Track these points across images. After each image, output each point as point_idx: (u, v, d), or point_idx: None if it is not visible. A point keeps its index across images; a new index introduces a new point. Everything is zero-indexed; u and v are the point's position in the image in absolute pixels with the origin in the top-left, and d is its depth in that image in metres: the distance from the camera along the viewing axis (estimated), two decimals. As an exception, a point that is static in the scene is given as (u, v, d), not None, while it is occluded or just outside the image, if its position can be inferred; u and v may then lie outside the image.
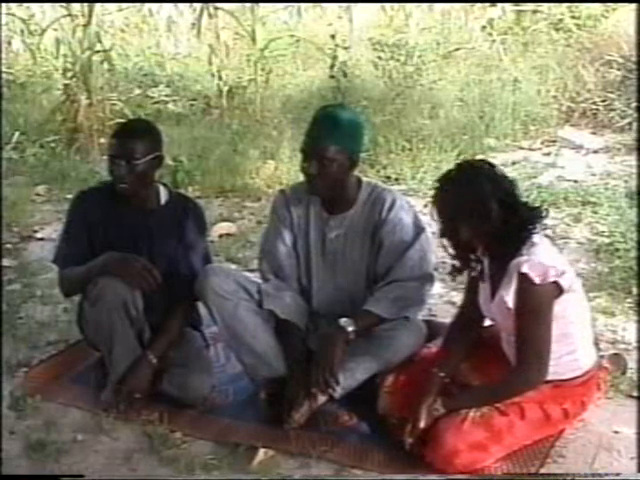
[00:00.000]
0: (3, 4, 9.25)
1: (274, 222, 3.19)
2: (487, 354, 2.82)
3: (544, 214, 2.65)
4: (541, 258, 2.54)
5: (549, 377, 2.63)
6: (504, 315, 2.64)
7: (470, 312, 2.88)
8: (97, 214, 3.17)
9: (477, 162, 2.72)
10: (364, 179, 3.17)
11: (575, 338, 2.68)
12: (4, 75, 8.91)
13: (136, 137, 3.10)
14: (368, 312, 2.94)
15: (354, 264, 3.10)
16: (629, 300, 3.82)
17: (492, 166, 2.66)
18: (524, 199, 2.70)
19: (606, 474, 2.59)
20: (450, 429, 2.58)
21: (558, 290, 2.55)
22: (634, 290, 3.88)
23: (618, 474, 2.60)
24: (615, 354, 3.20)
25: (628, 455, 2.69)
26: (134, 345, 3.09)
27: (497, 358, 2.78)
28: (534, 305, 2.54)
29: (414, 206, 3.15)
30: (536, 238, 2.59)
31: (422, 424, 2.63)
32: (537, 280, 2.49)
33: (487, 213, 2.53)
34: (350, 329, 2.87)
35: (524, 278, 2.51)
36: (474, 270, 2.75)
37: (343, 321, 2.88)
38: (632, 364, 3.23)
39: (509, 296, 2.57)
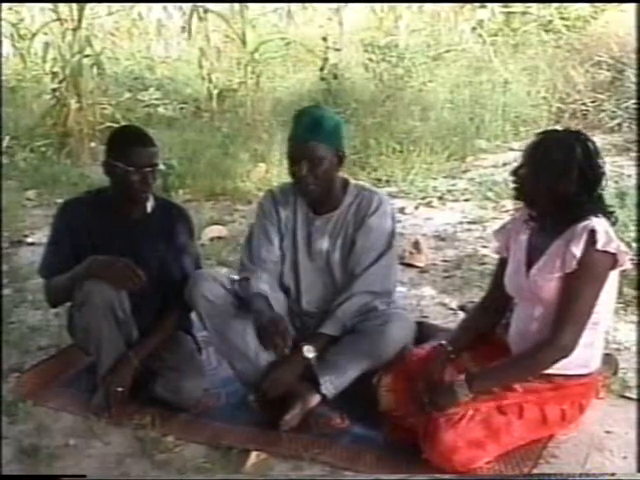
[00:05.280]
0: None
1: (260, 220, 3.18)
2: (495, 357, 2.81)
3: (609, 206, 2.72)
4: (606, 228, 2.57)
5: (556, 371, 2.62)
6: (544, 282, 2.62)
7: (495, 296, 2.90)
8: (82, 224, 3.15)
9: (580, 134, 2.71)
10: (352, 181, 3.18)
11: (596, 330, 2.66)
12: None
13: (153, 144, 3.11)
14: (324, 335, 2.98)
15: (340, 264, 3.12)
16: (620, 300, 3.82)
17: (591, 144, 2.65)
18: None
19: (599, 474, 2.60)
20: (449, 426, 2.56)
21: (613, 263, 2.57)
22: (625, 290, 3.88)
23: (610, 474, 2.60)
24: (607, 354, 3.20)
25: (620, 455, 2.69)
26: (122, 347, 3.08)
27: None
28: (590, 267, 2.54)
29: (397, 208, 3.17)
30: (600, 215, 2.63)
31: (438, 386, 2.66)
32: (600, 244, 2.51)
33: (568, 176, 2.56)
34: (311, 356, 2.92)
35: (591, 237, 2.52)
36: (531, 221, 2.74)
37: (305, 348, 2.91)
38: (623, 364, 3.24)
39: (579, 251, 2.53)
